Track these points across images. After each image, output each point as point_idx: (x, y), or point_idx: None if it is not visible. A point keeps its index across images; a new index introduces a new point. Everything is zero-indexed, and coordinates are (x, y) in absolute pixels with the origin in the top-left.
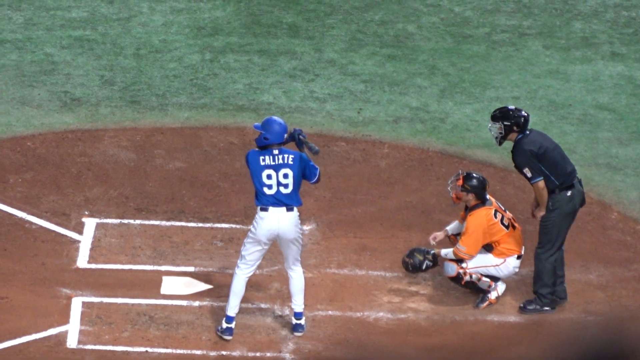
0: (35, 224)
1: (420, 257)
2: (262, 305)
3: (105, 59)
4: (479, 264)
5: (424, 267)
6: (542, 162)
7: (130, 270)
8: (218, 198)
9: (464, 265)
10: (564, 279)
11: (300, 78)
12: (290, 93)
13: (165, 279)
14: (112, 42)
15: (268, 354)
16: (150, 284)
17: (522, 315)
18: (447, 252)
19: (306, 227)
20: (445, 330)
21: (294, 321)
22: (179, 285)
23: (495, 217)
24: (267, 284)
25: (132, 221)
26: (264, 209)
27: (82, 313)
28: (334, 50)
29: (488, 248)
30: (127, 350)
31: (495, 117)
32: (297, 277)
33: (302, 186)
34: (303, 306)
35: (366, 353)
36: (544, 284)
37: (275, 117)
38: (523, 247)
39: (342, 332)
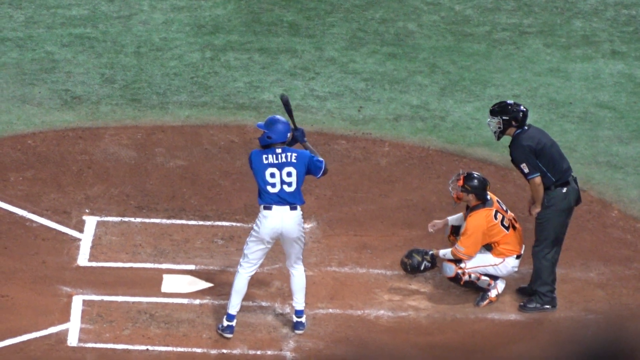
0: (35, 222)
1: (418, 258)
2: (263, 304)
3: (106, 57)
4: (478, 264)
5: (422, 267)
6: (540, 158)
7: (131, 268)
8: (219, 196)
9: (462, 265)
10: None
11: (300, 76)
12: (291, 91)
13: (165, 277)
14: (113, 40)
15: (269, 352)
16: (150, 282)
17: (522, 313)
18: (445, 252)
19: (307, 225)
20: (446, 328)
21: (295, 319)
22: (180, 284)
23: (496, 218)
24: (268, 282)
25: (132, 219)
26: (268, 208)
27: (83, 311)
28: (334, 49)
29: (487, 247)
30: (127, 349)
31: (493, 112)
32: (298, 276)
33: (303, 184)
34: (304, 304)
35: (367, 351)
36: (543, 282)
37: (278, 116)
38: (523, 247)
39: (342, 330)
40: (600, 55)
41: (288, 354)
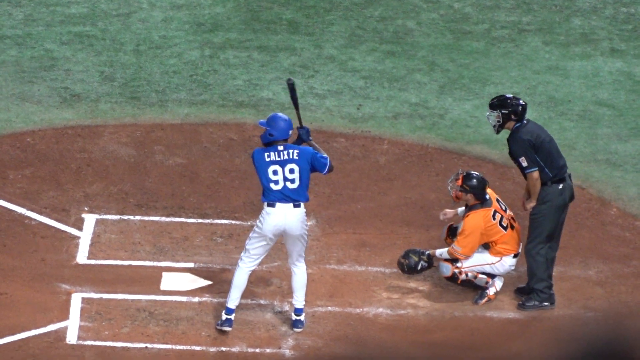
0: (34, 220)
1: (415, 258)
2: (262, 302)
3: (105, 54)
4: (475, 263)
5: (419, 268)
6: (538, 153)
7: (130, 266)
8: (218, 194)
9: (458, 264)
10: (551, 279)
11: (299, 74)
12: None
13: (165, 275)
14: (112, 38)
15: (267, 350)
16: (149, 280)
17: (521, 311)
18: (442, 252)
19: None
20: (445, 326)
21: (294, 317)
22: (179, 281)
23: (494, 218)
24: (267, 280)
25: (131, 217)
26: (271, 205)
27: (82, 309)
28: (333, 47)
29: (485, 246)
30: (126, 346)
31: (493, 106)
32: (300, 273)
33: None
34: (304, 302)
35: (366, 349)
36: (539, 278)
37: (280, 114)
38: (521, 245)
39: (341, 328)
40: (599, 53)
41: (287, 352)
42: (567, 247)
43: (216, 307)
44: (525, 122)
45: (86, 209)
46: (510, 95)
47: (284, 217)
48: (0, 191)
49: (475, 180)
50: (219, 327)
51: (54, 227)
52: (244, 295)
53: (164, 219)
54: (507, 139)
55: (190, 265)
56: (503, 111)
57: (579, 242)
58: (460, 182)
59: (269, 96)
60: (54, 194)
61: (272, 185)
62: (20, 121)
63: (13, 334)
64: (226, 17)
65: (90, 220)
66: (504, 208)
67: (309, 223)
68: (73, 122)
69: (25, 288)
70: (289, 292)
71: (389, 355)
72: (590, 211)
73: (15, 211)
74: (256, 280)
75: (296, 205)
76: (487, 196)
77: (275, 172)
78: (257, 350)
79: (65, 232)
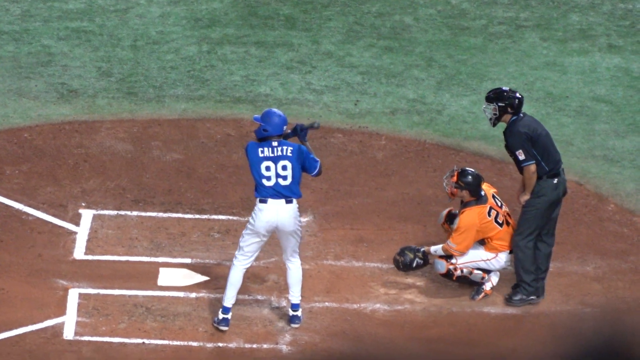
0: (31, 216)
1: (410, 255)
2: (259, 297)
3: (103, 50)
4: (470, 259)
5: (414, 265)
6: (535, 146)
7: (127, 261)
8: (215, 190)
9: (453, 261)
10: (546, 274)
11: (297, 70)
12: (287, 85)
13: (162, 270)
14: (109, 34)
15: (265, 346)
16: (147, 276)
17: (518, 307)
18: (436, 248)
19: (303, 219)
20: (442, 321)
21: (291, 313)
22: (176, 277)
23: (489, 215)
24: (264, 276)
25: (129, 213)
26: (263, 201)
27: (79, 304)
28: (331, 42)
29: (480, 242)
30: (123, 342)
31: (489, 98)
32: (294, 269)
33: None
34: (300, 298)
35: (363, 344)
36: (526, 270)
37: (274, 109)
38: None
39: (338, 324)
40: (596, 49)
41: (284, 347)
42: (565, 243)
43: (213, 302)
44: (521, 115)
45: (83, 204)
46: (507, 88)
47: (276, 213)
48: None
49: (470, 177)
50: (215, 325)
51: (51, 223)
52: (241, 291)
53: (161, 214)
54: (504, 132)
55: (188, 260)
56: (499, 104)
57: (576, 238)
58: (455, 178)
59: (267, 92)
60: (51, 189)
61: (264, 181)
62: (18, 117)
63: (10, 329)
64: (223, 13)
65: (87, 215)
66: (499, 204)
67: (306, 219)
68: (70, 118)
69: (22, 283)
70: (285, 288)
71: (386, 350)
72: (588, 207)
73: (13, 207)
74: (253, 276)
75: (288, 202)
76: (483, 192)
77: (267, 168)
78: (254, 345)
79: (63, 227)
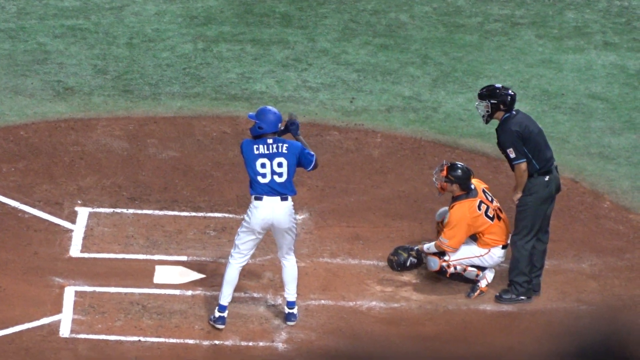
0: (28, 213)
1: (404, 255)
2: (255, 295)
3: (98, 48)
4: (463, 256)
5: (408, 264)
6: (526, 144)
7: (123, 259)
8: (211, 187)
9: (446, 258)
10: (542, 272)
11: (293, 67)
12: (283, 82)
13: (158, 268)
14: (105, 32)
15: (261, 344)
16: (143, 273)
17: (513, 304)
18: (429, 246)
19: (299, 217)
20: (438, 319)
21: (287, 310)
22: (172, 275)
23: (480, 209)
24: (260, 273)
25: (125, 210)
26: (259, 198)
27: (75, 302)
28: (326, 40)
29: (473, 238)
30: (120, 340)
31: (482, 95)
32: (290, 266)
33: (295, 175)
34: (296, 295)
35: (359, 342)
36: (520, 271)
37: (269, 107)
38: (510, 236)
39: (334, 322)
40: (592, 47)
41: (280, 345)
42: (561, 240)
43: (209, 300)
44: (514, 112)
45: (79, 202)
46: (499, 85)
47: (272, 211)
48: None
49: (459, 171)
50: (212, 323)
51: (47, 221)
52: (237, 289)
53: (157, 212)
54: (496, 129)
55: (184, 258)
56: (492, 101)
57: (572, 235)
58: (444, 172)
59: (262, 89)
60: (47, 187)
61: (260, 179)
62: (14, 114)
63: (6, 327)
64: (219, 11)
65: (83, 213)
66: (490, 199)
67: (302, 216)
68: (66, 116)
69: (18, 281)
70: (281, 286)
71: (382, 348)
72: (584, 204)
73: (9, 204)
74: (249, 273)
75: (283, 199)
76: (473, 186)
77: (263, 165)
78: (250, 343)
79: (59, 225)
